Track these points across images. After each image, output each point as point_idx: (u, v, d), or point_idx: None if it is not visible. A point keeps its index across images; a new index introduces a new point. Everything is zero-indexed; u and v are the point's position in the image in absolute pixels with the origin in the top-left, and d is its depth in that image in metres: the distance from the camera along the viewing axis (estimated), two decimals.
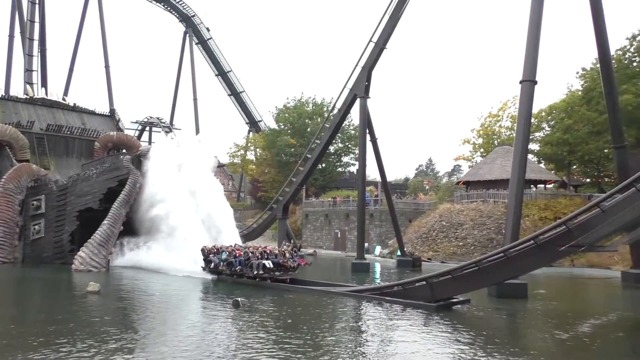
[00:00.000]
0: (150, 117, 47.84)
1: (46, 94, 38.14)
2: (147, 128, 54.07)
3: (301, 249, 21.63)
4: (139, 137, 45.60)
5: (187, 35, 61.17)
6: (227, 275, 19.68)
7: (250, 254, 19.03)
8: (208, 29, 61.85)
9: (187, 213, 24.94)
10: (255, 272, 18.26)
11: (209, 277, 20.43)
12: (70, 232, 26.54)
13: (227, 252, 19.87)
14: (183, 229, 24.32)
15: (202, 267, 20.75)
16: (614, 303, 17.21)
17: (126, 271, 23.14)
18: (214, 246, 21.05)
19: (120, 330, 10.64)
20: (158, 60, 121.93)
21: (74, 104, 39.06)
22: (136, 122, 52.48)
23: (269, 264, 18.34)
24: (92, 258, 23.46)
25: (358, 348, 9.75)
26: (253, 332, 10.94)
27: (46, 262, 26.25)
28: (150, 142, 46.07)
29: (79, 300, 15.35)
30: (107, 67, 51.14)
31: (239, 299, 13.85)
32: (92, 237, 24.22)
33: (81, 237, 25.71)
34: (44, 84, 45.84)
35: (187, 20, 60.76)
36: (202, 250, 20.85)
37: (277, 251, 19.37)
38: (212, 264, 20.20)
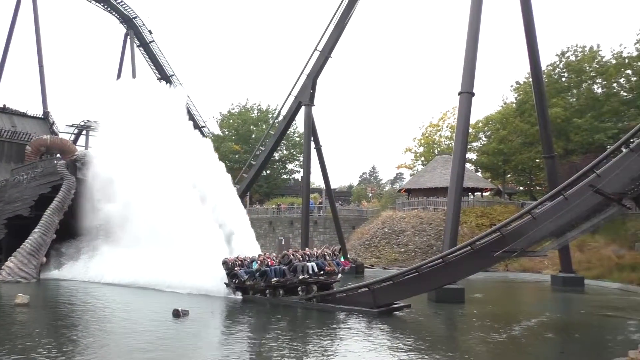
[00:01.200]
0: (88, 121, 45.76)
1: None
2: (84, 132, 51.81)
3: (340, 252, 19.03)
4: (75, 141, 43.42)
5: (128, 37, 59.27)
6: (258, 291, 16.86)
7: (291, 256, 16.68)
8: (150, 32, 60.17)
9: (157, 206, 21.23)
10: (301, 277, 15.83)
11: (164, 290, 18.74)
12: None
13: (259, 262, 17.12)
14: (147, 228, 21.08)
15: (225, 283, 17.69)
16: (544, 305, 18.08)
17: (61, 282, 21.95)
18: (238, 257, 18.06)
19: (51, 345, 10.05)
20: (97, 62, 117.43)
21: (4, 105, 37.02)
22: (72, 126, 50.09)
23: (312, 267, 16.01)
24: (21, 268, 22.17)
25: (299, 358, 9.72)
26: (189, 342, 10.71)
27: None
28: (87, 146, 44.13)
29: (5, 314, 14.38)
30: (41, 67, 48.56)
31: (179, 309, 13.50)
32: (21, 246, 22.92)
33: (9, 246, 24.28)
34: None
35: (129, 21, 58.88)
36: (225, 262, 17.69)
37: (317, 253, 17.24)
38: (237, 279, 17.23)
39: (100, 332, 11.82)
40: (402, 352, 10.05)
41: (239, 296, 17.25)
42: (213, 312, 14.97)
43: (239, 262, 17.58)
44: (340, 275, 17.03)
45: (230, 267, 17.51)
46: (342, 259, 17.92)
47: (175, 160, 22.55)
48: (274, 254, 19.04)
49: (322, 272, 16.03)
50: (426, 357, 9.64)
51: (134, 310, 15.39)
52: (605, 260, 25.21)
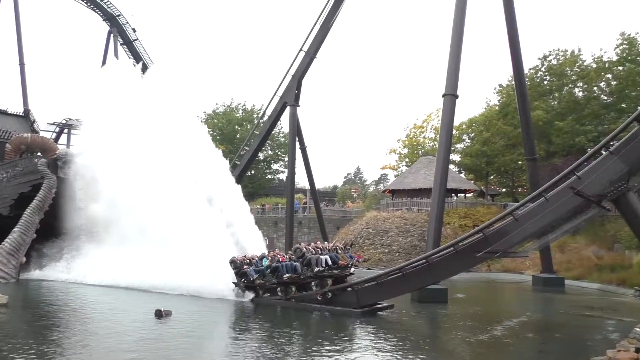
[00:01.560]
0: (70, 119, 45.11)
1: None
2: (66, 130, 51.15)
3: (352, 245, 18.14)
4: (57, 139, 42.80)
5: (112, 35, 58.65)
6: (269, 290, 15.97)
7: (304, 249, 15.75)
8: (134, 30, 59.59)
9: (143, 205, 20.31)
10: (316, 269, 14.96)
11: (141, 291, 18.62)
12: None
13: (269, 258, 16.30)
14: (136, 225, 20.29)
15: (233, 282, 16.78)
16: (525, 305, 18.30)
17: (42, 283, 21.51)
18: (246, 256, 17.22)
19: (29, 346, 9.89)
20: (79, 60, 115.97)
21: None
22: (53, 124, 49.39)
23: (326, 260, 15.21)
24: (0, 268, 21.78)
25: (282, 358, 9.71)
26: (171, 342, 10.64)
27: None
28: (68, 145, 43.53)
29: None
30: (21, 64, 47.90)
31: (162, 309, 13.39)
32: (0, 245, 22.52)
33: None
34: None
35: (112, 19, 58.26)
36: (233, 261, 16.74)
37: (329, 247, 16.39)
38: (245, 278, 16.32)
39: (81, 332, 11.66)
40: (385, 352, 10.10)
41: (246, 298, 16.38)
42: (197, 312, 14.85)
43: (247, 260, 16.80)
44: (352, 269, 16.28)
45: (238, 265, 16.65)
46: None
47: (170, 151, 21.43)
48: (282, 252, 18.43)
49: (335, 266, 15.34)
50: (409, 356, 9.71)
51: (117, 310, 15.19)
52: (585, 261, 25.59)
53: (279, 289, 15.79)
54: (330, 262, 15.20)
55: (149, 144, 21.68)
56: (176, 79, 27.76)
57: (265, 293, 16.20)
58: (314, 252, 15.64)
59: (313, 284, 15.19)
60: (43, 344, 10.10)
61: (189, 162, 21.66)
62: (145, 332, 11.63)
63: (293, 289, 15.52)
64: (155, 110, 22.72)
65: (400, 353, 9.99)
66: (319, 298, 14.97)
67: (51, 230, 24.53)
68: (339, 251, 16.18)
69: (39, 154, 29.45)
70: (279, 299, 15.79)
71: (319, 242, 17.24)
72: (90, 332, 11.80)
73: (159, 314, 13.18)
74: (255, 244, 20.20)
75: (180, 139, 22.15)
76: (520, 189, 42.69)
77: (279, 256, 16.33)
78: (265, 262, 16.26)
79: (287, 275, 15.33)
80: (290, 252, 16.77)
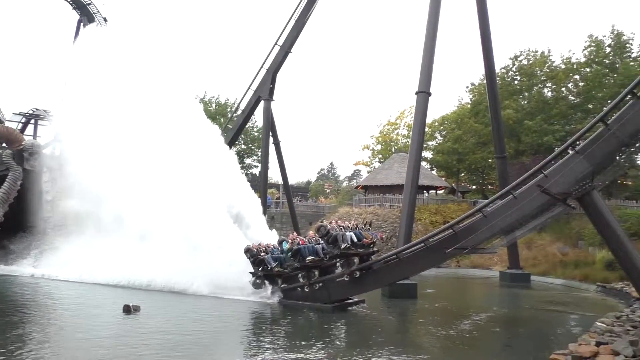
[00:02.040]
0: (36, 109, 43.95)
1: None
2: (32, 121, 49.78)
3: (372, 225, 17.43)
4: (23, 130, 41.67)
5: (82, 23, 57.18)
6: (288, 278, 15.05)
7: (328, 227, 14.72)
8: (105, 19, 58.25)
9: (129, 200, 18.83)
10: (343, 246, 14.15)
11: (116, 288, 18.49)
12: None
13: (289, 241, 15.29)
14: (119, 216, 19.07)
15: (250, 272, 15.87)
16: (492, 301, 18.70)
17: (7, 278, 20.75)
18: (261, 244, 16.29)
19: None
20: (48, 49, 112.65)
21: None
22: (19, 114, 48.03)
23: (352, 237, 14.34)
24: None
25: (254, 354, 9.69)
26: (139, 338, 10.51)
27: None
28: (35, 136, 42.37)
29: None
30: None
31: (130, 304, 13.20)
32: None
33: None
34: None
35: (82, 8, 56.81)
36: (249, 250, 15.80)
37: (350, 226, 15.46)
38: (262, 267, 15.46)
39: (47, 328, 11.41)
40: (356, 346, 10.18)
41: (265, 294, 15.50)
42: (167, 307, 14.68)
43: (263, 248, 15.97)
44: (374, 247, 15.29)
45: (254, 254, 15.70)
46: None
47: (149, 132, 19.58)
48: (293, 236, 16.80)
49: (360, 243, 14.51)
50: (380, 351, 9.81)
51: (85, 306, 14.85)
52: (550, 258, 26.27)
53: (300, 275, 14.86)
54: (355, 239, 14.41)
55: (125, 127, 20.08)
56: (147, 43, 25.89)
57: (283, 283, 15.27)
58: (337, 229, 14.75)
59: (339, 263, 14.48)
60: (7, 340, 9.83)
61: (169, 138, 19.72)
62: (113, 327, 11.46)
63: (316, 273, 14.67)
64: (131, 84, 20.97)
65: (370, 347, 10.08)
66: (346, 279, 14.35)
67: (18, 224, 23.90)
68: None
69: (4, 145, 28.61)
70: (303, 300, 14.82)
71: (339, 221, 16.33)
72: (56, 327, 11.57)
73: (127, 310, 12.99)
74: (258, 221, 19.37)
75: (158, 114, 20.17)
76: (490, 187, 43.45)
77: (298, 239, 15.39)
78: (286, 246, 15.45)
79: (310, 257, 14.50)
80: (308, 236, 15.80)
